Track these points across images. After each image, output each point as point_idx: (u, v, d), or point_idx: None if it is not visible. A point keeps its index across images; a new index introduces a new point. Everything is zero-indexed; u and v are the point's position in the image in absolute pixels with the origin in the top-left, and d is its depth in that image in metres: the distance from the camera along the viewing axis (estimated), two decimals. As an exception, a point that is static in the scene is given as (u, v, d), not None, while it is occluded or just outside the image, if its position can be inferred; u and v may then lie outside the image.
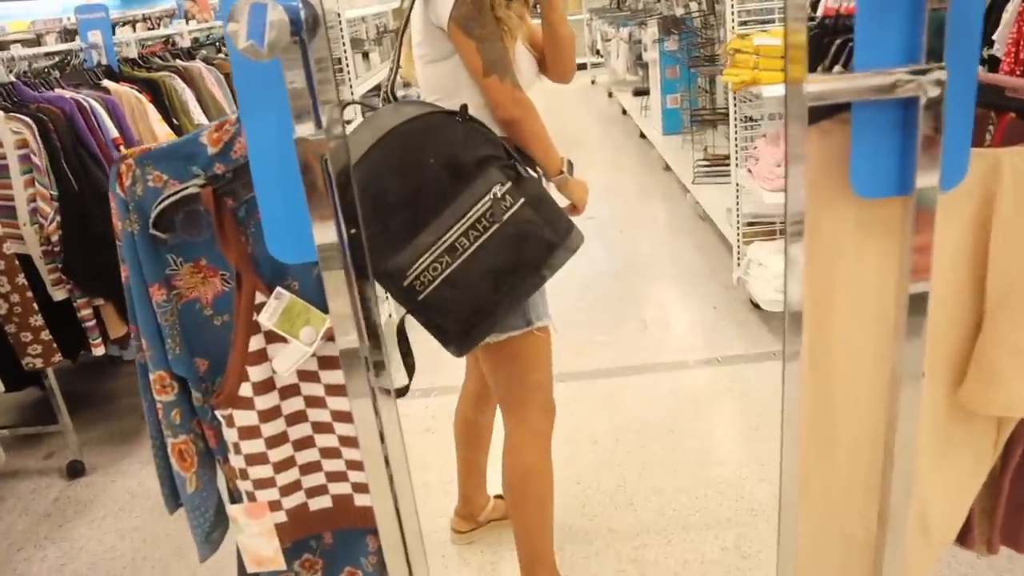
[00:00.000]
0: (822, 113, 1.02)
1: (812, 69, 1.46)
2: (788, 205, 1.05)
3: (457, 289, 1.44)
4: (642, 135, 7.11)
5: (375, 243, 1.27)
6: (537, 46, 1.85)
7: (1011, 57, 2.70)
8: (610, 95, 9.14)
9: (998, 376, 1.21)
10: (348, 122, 3.39)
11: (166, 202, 1.15)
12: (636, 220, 5.18)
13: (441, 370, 3.33)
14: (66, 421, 3.05)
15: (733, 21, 3.23)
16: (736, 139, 3.49)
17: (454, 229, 1.42)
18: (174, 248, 1.21)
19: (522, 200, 1.43)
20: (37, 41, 8.90)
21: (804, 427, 1.21)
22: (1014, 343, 1.20)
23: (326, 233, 1.02)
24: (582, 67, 10.49)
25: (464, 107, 1.47)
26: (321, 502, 1.35)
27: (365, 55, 4.08)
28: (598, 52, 9.84)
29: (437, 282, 1.43)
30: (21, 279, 2.61)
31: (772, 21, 3.50)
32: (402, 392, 1.36)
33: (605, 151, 7.26)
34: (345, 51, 3.21)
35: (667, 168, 5.96)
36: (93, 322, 2.86)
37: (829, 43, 1.37)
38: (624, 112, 8.31)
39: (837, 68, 1.02)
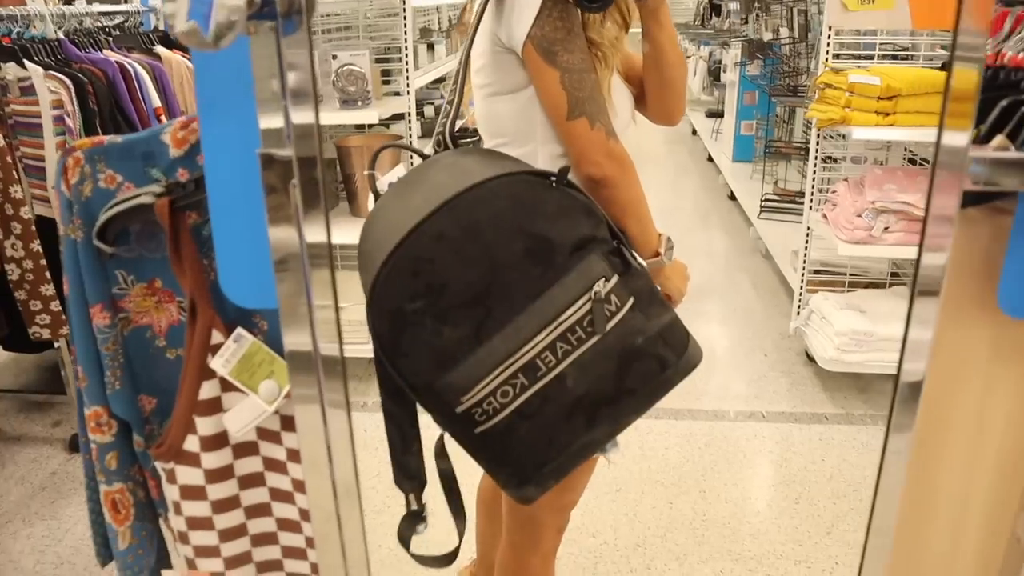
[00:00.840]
0: (969, 197, 0.73)
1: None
2: (923, 256, 0.75)
3: (533, 423, 1.02)
4: (710, 158, 6.76)
5: (424, 349, 0.96)
6: (632, 78, 1.42)
7: None
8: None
9: None
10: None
11: (114, 210, 0.90)
12: (691, 248, 4.86)
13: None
14: (73, 392, 2.88)
15: (827, 53, 2.90)
16: (814, 178, 3.16)
17: (537, 340, 0.99)
18: (125, 264, 0.97)
19: (631, 301, 1.03)
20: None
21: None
22: None
23: (283, 236, 0.76)
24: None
25: (564, 169, 1.01)
26: (273, 580, 1.10)
27: (430, 46, 3.84)
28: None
29: (506, 412, 1.01)
30: (36, 246, 2.43)
31: (871, 58, 3.16)
32: (451, 559, 1.07)
33: (668, 171, 6.93)
34: (406, 39, 2.96)
35: (732, 197, 5.61)
36: (109, 296, 2.68)
37: (990, 102, 1.00)
38: (694, 132, 7.95)
39: (998, 139, 0.75)
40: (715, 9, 7.30)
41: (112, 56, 2.83)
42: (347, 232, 2.96)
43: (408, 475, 1.08)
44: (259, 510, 1.05)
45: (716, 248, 4.93)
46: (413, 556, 1.09)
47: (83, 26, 3.10)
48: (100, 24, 3.22)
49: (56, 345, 2.77)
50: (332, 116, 2.87)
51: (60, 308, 2.52)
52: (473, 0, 1.35)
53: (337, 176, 3.11)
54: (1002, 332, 0.82)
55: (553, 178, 1.00)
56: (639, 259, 1.10)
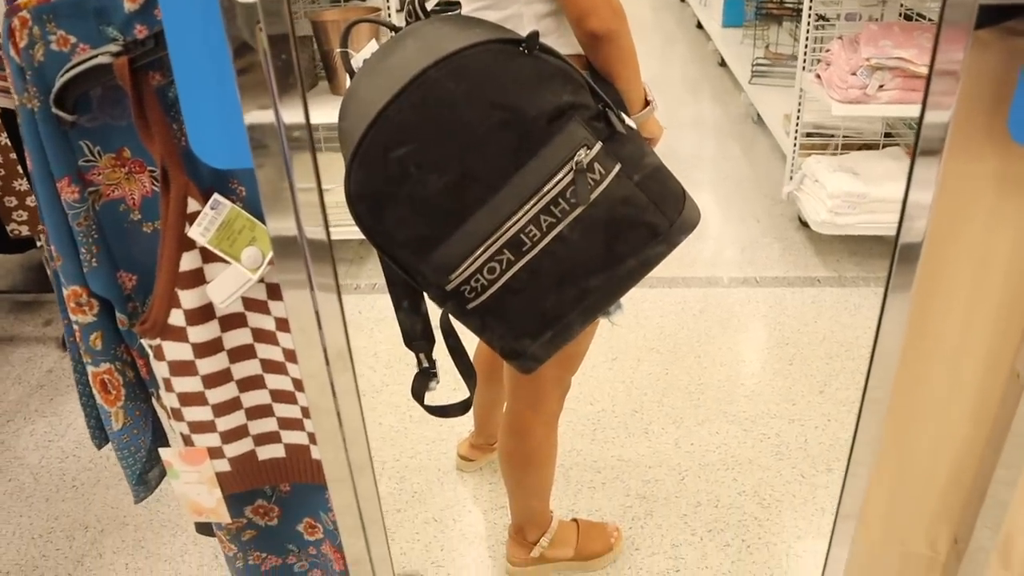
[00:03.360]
0: (983, 15, 0.68)
1: None
2: (926, 116, 0.71)
3: (522, 297, 1.02)
4: (699, 25, 6.53)
5: (405, 231, 0.96)
6: None
7: None
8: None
9: None
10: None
11: (70, 73, 0.85)
12: (681, 117, 4.75)
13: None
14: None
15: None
16: (807, 39, 3.05)
17: (519, 215, 0.98)
18: (90, 133, 0.92)
19: (617, 168, 0.99)
20: None
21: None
22: None
23: (263, 117, 0.72)
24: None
25: (534, 34, 0.95)
26: (272, 451, 1.10)
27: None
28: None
29: (495, 288, 1.01)
30: (4, 139, 2.34)
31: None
32: (465, 407, 1.08)
33: (655, 38, 6.70)
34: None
35: (722, 63, 5.46)
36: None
37: None
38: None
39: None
40: None
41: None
42: (328, 112, 2.87)
43: (416, 336, 1.08)
44: (252, 382, 1.04)
45: (706, 116, 4.83)
46: (427, 408, 1.10)
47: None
48: None
49: (38, 243, 2.73)
50: (302, -12, 2.73)
51: (36, 203, 2.46)
52: None
53: (314, 53, 2.99)
54: (1009, 164, 0.79)
55: (524, 45, 0.94)
56: (628, 121, 1.05)
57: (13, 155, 2.37)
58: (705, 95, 5.22)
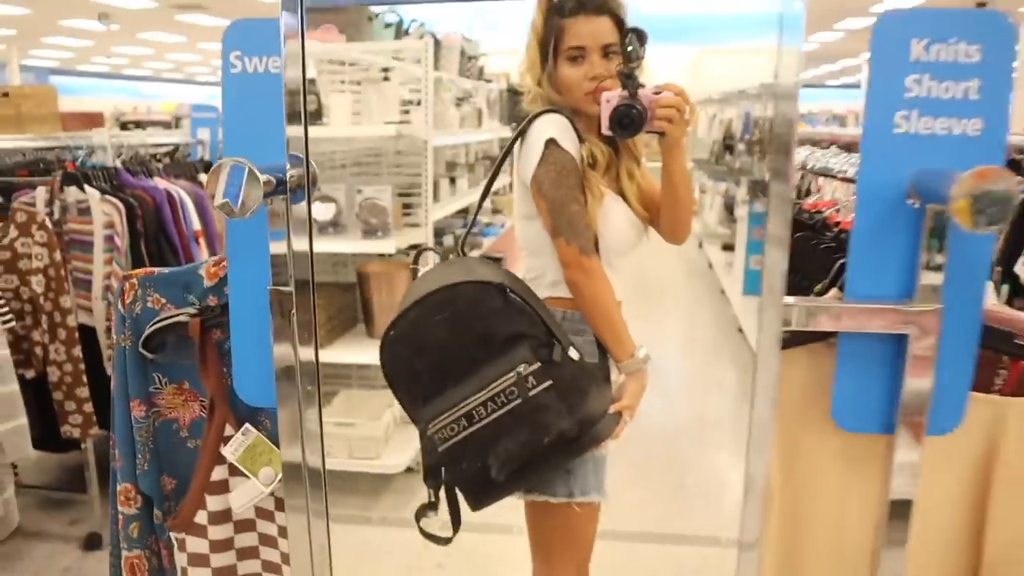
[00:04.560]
0: (815, 335, 0.98)
1: (810, 284, 1.43)
2: (755, 413, 1.00)
3: (469, 453, 1.40)
4: (723, 291, 7.02)
5: (411, 388, 1.39)
6: (651, 203, 1.72)
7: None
8: (700, 245, 9.13)
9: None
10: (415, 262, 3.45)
11: (158, 324, 1.19)
12: (700, 379, 5.05)
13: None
14: (94, 492, 3.10)
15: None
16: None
17: (474, 398, 1.38)
18: (162, 367, 1.25)
19: (548, 383, 1.37)
20: (174, 124, 9.66)
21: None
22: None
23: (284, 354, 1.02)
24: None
25: (502, 285, 1.41)
26: (259, 644, 1.31)
27: (452, 180, 4.22)
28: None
29: (452, 441, 1.40)
30: (77, 351, 2.73)
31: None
32: (448, 541, 1.45)
33: (684, 303, 7.19)
34: (424, 179, 3.33)
35: (741, 330, 5.83)
36: (137, 401, 2.95)
37: (836, 258, 1.24)
38: (710, 266, 8.25)
39: (833, 291, 0.99)
40: (728, 148, 7.74)
41: (161, 183, 3.21)
42: (364, 352, 3.24)
43: (430, 476, 1.46)
44: (252, 580, 1.28)
45: (725, 380, 5.12)
46: (420, 530, 1.47)
47: (138, 155, 3.52)
48: (153, 153, 3.64)
49: (83, 446, 3.01)
50: (354, 244, 3.19)
51: (92, 410, 2.78)
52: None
53: (357, 299, 3.42)
54: (847, 441, 1.05)
55: (501, 289, 1.40)
56: (571, 353, 1.42)
57: (82, 365, 2.74)
58: (725, 359, 5.55)
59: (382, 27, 4.21)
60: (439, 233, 4.18)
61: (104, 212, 2.94)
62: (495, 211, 5.82)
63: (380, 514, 3.24)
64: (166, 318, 1.19)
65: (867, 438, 1.04)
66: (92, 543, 3.06)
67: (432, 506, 1.45)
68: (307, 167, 0.99)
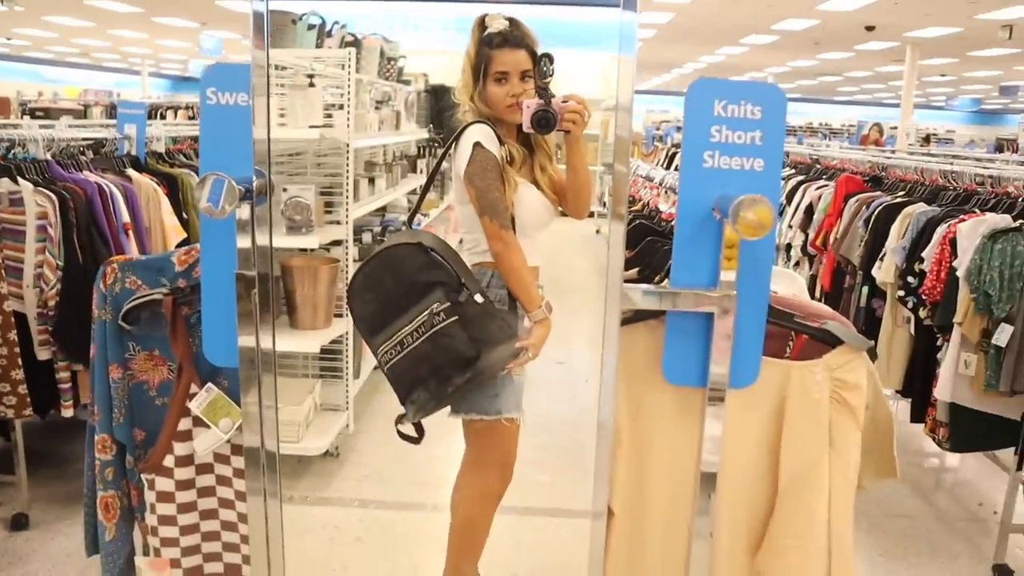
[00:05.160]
0: (651, 313, 1.37)
1: (654, 270, 1.84)
2: (603, 375, 1.37)
3: (401, 371, 1.88)
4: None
5: (367, 322, 1.88)
6: (560, 189, 2.23)
7: (934, 274, 3.08)
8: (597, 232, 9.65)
9: (780, 549, 1.50)
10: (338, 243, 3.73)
11: (136, 301, 1.48)
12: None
13: (385, 485, 3.59)
14: (22, 474, 3.25)
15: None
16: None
17: (404, 329, 1.84)
18: (136, 338, 1.54)
19: (454, 319, 1.83)
20: (84, 112, 9.56)
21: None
22: (793, 523, 1.49)
23: (248, 343, 1.34)
24: (589, 216, 11.02)
25: (420, 244, 1.90)
26: (214, 567, 1.62)
27: (371, 180, 4.50)
28: (604, 204, 10.42)
29: (392, 362, 1.87)
30: (13, 335, 2.92)
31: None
32: (417, 441, 1.93)
33: (596, 301, 7.61)
34: (347, 177, 3.63)
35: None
36: (69, 385, 3.15)
37: (666, 252, 1.67)
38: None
39: (666, 281, 1.38)
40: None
41: (91, 177, 3.41)
42: (288, 342, 3.51)
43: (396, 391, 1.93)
44: (209, 514, 1.59)
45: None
46: (398, 432, 1.94)
47: (68, 149, 3.70)
48: (80, 148, 3.82)
49: (12, 429, 3.18)
50: (279, 240, 3.44)
51: (26, 391, 2.98)
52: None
53: (280, 292, 3.67)
54: (678, 395, 1.44)
55: (423, 248, 1.87)
56: (476, 297, 1.87)
57: (17, 349, 2.94)
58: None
59: (305, 29, 4.44)
60: (358, 231, 4.45)
61: (37, 203, 3.13)
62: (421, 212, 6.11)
63: (301, 493, 3.50)
64: (145, 295, 1.48)
65: (690, 390, 1.43)
66: (18, 523, 3.21)
67: (405, 416, 1.92)
68: (269, 178, 1.31)
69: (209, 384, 1.51)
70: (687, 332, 1.38)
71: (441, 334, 1.82)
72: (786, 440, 1.49)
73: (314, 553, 3.04)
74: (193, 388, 1.51)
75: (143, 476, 1.54)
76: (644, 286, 1.36)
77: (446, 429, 2.26)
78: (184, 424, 1.52)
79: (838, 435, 1.48)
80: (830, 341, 1.47)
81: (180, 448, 1.51)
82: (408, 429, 1.94)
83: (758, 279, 1.35)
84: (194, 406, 1.49)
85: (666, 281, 1.42)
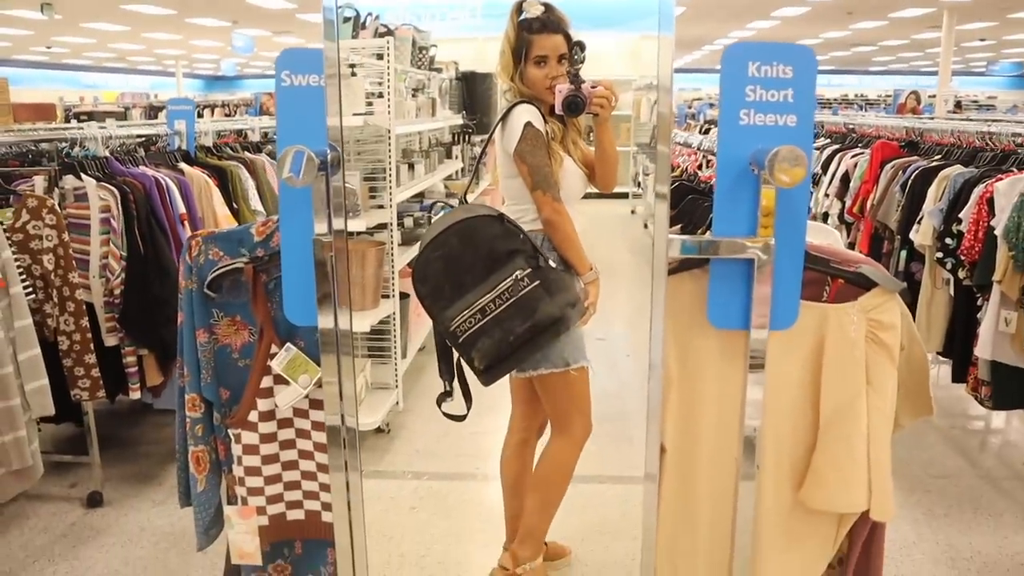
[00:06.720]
0: (698, 261, 1.50)
1: (695, 226, 1.96)
2: (653, 321, 1.49)
3: (485, 337, 1.92)
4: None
5: (438, 296, 1.91)
6: (589, 164, 2.45)
7: (971, 234, 3.15)
8: (645, 226, 9.72)
9: (823, 480, 1.61)
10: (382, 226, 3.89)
11: (219, 271, 1.64)
12: (645, 347, 5.56)
13: (435, 458, 3.75)
14: (95, 455, 3.48)
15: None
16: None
17: (486, 296, 1.89)
18: (219, 305, 1.70)
19: (537, 283, 1.92)
20: (124, 114, 9.87)
21: (671, 511, 1.63)
22: (835, 456, 1.60)
23: (326, 317, 1.50)
24: (623, 196, 11.11)
25: (501, 214, 2.03)
26: (296, 514, 1.78)
27: (411, 166, 4.66)
28: (639, 184, 10.49)
29: (471, 331, 1.91)
30: (85, 322, 3.12)
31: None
32: (463, 418, 2.00)
33: (631, 281, 7.73)
34: (389, 163, 3.78)
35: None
36: (135, 369, 3.36)
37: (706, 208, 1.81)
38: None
39: (709, 233, 1.50)
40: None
41: (148, 171, 3.61)
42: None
43: (444, 371, 2.02)
44: (290, 465, 1.74)
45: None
46: (443, 413, 2.02)
47: (125, 146, 3.90)
48: (136, 144, 4.02)
49: (85, 413, 3.40)
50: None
51: (99, 375, 3.18)
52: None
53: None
54: (723, 339, 1.56)
55: (500, 220, 1.96)
56: (551, 262, 2.01)
57: (89, 335, 3.14)
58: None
59: (342, 22, 4.61)
60: (400, 215, 4.61)
61: (100, 197, 3.33)
62: (449, 195, 6.27)
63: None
64: (227, 265, 1.64)
65: (734, 333, 1.55)
66: (94, 500, 3.44)
67: (448, 394, 2.03)
68: (342, 153, 1.46)
69: (288, 344, 1.66)
70: (730, 278, 1.51)
71: (527, 298, 1.90)
72: (825, 379, 1.61)
73: (371, 521, 3.21)
74: (273, 348, 1.67)
75: (229, 431, 1.70)
76: (689, 236, 1.49)
77: (487, 407, 2.41)
78: (266, 382, 1.67)
79: (875, 372, 1.59)
80: (864, 284, 1.58)
81: (263, 404, 1.67)
82: (451, 408, 2.03)
83: (795, 227, 1.46)
84: (275, 364, 1.64)
85: (708, 234, 1.54)
